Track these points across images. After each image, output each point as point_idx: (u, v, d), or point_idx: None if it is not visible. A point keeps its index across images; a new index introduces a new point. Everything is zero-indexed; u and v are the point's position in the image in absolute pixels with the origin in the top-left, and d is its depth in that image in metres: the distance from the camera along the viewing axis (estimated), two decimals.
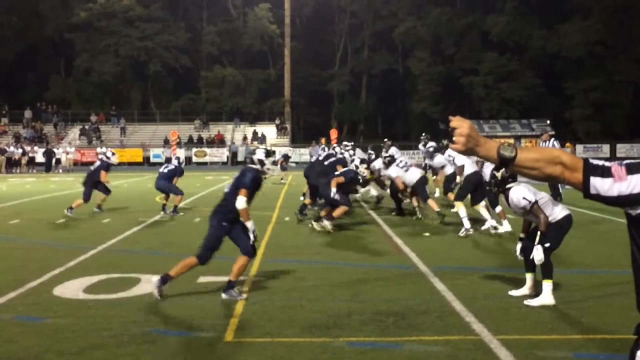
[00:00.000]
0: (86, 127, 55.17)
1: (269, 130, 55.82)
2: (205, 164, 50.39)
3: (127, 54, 62.02)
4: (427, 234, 12.80)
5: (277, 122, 56.73)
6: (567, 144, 51.61)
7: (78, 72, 64.14)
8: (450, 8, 62.85)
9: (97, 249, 11.18)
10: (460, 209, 12.82)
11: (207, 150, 52.21)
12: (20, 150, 42.71)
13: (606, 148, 51.18)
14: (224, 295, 7.76)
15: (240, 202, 7.79)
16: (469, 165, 13.28)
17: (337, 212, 13.48)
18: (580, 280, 8.71)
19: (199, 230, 13.67)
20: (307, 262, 10.06)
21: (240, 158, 50.50)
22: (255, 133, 54.35)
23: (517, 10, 59.46)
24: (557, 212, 7.63)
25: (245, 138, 53.52)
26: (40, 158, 44.54)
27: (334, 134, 48.91)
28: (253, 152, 8.87)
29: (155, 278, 7.81)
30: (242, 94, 62.38)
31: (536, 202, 7.49)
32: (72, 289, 8.19)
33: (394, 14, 64.11)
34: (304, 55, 65.41)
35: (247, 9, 65.47)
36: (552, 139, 18.96)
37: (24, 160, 42.40)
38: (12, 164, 41.97)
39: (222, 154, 51.92)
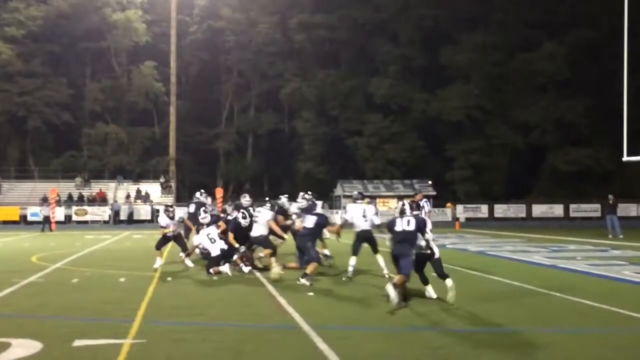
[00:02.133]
0: None
1: (153, 188, 54.97)
2: (86, 222, 49.05)
3: (5, 109, 60.04)
4: (311, 293, 12.74)
5: (162, 180, 55.97)
6: (448, 204, 53.31)
7: None
8: (335, 70, 64.22)
9: None
10: (352, 258, 14.58)
11: (88, 208, 50.85)
12: None
13: (485, 208, 52.99)
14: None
15: None
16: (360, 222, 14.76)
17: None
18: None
19: (77, 290, 13.25)
20: (188, 324, 9.80)
21: (122, 217, 49.47)
22: (139, 191, 53.41)
23: (399, 74, 61.37)
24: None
25: (128, 196, 52.47)
26: None
27: (219, 192, 48.50)
28: None
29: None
30: (125, 152, 61.36)
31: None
32: None
33: (280, 75, 64.98)
34: (190, 113, 65.14)
35: (132, 67, 64.90)
36: (424, 199, 19.44)
37: None
38: None
39: (103, 212, 50.68)
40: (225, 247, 16.02)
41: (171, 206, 17.59)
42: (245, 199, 17.32)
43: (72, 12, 63.15)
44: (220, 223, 16.98)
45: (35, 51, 62.42)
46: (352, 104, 62.52)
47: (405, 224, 11.38)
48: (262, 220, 15.80)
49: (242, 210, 16.39)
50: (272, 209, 16.27)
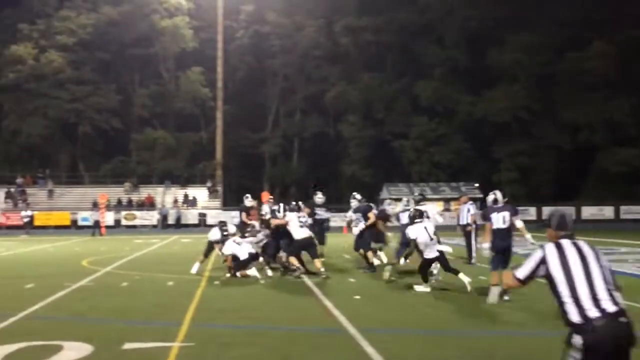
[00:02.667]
0: (12, 189, 53.88)
1: (200, 193, 55.48)
2: (134, 227, 49.72)
3: (57, 116, 61.33)
4: (357, 296, 12.75)
5: (209, 184, 56.45)
6: None
7: (5, 134, 63.04)
8: (381, 73, 64.04)
9: (18, 315, 10.77)
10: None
11: (137, 213, 51.55)
12: None
13: (532, 211, 52.31)
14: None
15: None
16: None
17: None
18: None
19: (126, 294, 13.46)
20: (235, 327, 9.90)
21: (170, 221, 50.03)
22: (186, 196, 53.95)
23: (445, 76, 60.98)
24: (428, 252, 11.29)
25: (175, 201, 53.04)
26: None
27: (265, 196, 48.73)
28: None
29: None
30: (173, 157, 62.01)
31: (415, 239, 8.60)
32: None
33: (325, 79, 65.06)
34: (237, 118, 65.54)
35: (180, 73, 65.63)
36: (470, 202, 19.47)
37: None
38: None
39: (152, 217, 51.32)
40: (253, 251, 16.08)
41: (225, 223, 17.41)
42: (318, 197, 17.64)
43: (121, 19, 64.18)
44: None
45: (85, 58, 63.63)
46: (397, 107, 62.32)
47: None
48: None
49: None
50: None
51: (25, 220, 43.17)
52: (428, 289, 13.19)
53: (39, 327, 9.90)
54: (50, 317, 10.94)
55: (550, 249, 5.05)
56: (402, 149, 59.89)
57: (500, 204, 12.50)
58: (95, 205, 44.02)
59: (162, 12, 65.01)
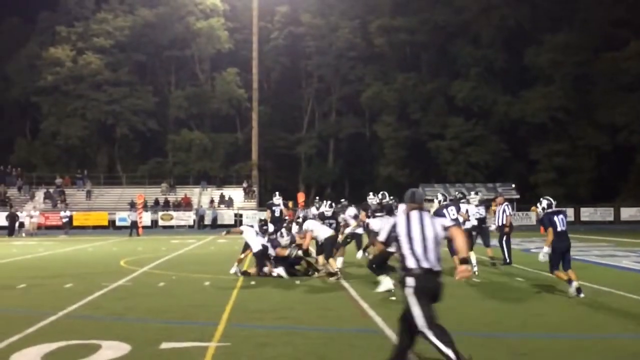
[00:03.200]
0: (51, 190, 54.63)
1: (236, 194, 55.72)
2: (171, 227, 50.11)
3: (95, 118, 62.15)
4: (393, 297, 12.70)
5: (245, 185, 56.70)
6: (533, 208, 52.14)
7: (44, 135, 63.99)
8: (416, 73, 63.81)
9: (58, 314, 10.92)
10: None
11: (174, 213, 51.95)
12: None
13: (570, 212, 51.71)
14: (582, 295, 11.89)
15: None
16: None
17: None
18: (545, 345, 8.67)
19: (164, 294, 13.56)
20: (271, 327, 9.92)
21: (207, 221, 50.34)
22: (222, 196, 54.24)
23: (481, 76, 60.62)
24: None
25: (212, 201, 53.36)
26: (2, 221, 43.97)
27: (301, 197, 48.91)
28: None
29: None
30: (209, 158, 62.40)
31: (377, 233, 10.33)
32: (30, 357, 7.98)
33: (360, 79, 65.00)
34: (272, 118, 65.80)
35: (215, 74, 66.03)
36: (505, 203, 19.33)
37: None
38: None
39: (188, 218, 51.68)
40: (266, 245, 16.11)
41: (266, 222, 17.39)
42: (371, 198, 17.95)
43: (157, 21, 64.82)
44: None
45: (122, 60, 64.39)
46: (433, 107, 62.07)
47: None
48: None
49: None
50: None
51: (64, 220, 43.73)
52: (391, 286, 13.12)
53: (77, 326, 10.02)
54: (88, 316, 11.06)
55: (400, 218, 7.16)
56: (438, 150, 59.62)
57: (553, 208, 13.10)
58: (132, 206, 44.44)
59: (198, 14, 65.51)
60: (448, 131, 59.64)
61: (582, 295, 12.27)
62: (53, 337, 9.08)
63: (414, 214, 7.04)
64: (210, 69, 67.65)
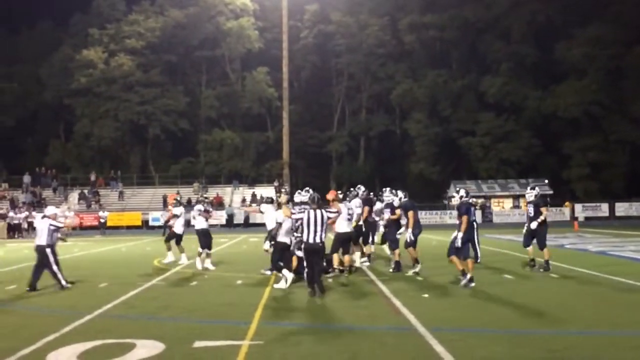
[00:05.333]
0: (85, 191, 55.21)
1: (267, 192, 55.76)
2: None
3: (127, 119, 62.69)
4: (426, 295, 12.68)
5: (276, 184, 56.81)
6: (566, 203, 51.81)
7: (78, 137, 64.70)
8: (446, 70, 63.58)
9: (93, 314, 11.05)
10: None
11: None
12: (21, 215, 42.59)
13: (605, 207, 51.24)
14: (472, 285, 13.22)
15: None
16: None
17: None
18: (580, 342, 8.59)
19: (196, 293, 13.65)
20: (303, 325, 9.95)
21: (237, 220, 50.51)
22: (254, 195, 54.39)
23: (512, 71, 60.20)
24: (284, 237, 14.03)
25: (243, 200, 53.53)
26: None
27: (332, 195, 48.85)
28: None
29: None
30: (240, 157, 62.69)
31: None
32: (66, 356, 8.09)
33: (390, 77, 64.87)
34: (303, 117, 65.91)
35: (246, 73, 66.30)
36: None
37: (24, 225, 42.03)
38: (13, 229, 41.85)
39: (220, 216, 51.85)
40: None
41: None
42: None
43: (187, 22, 65.24)
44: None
45: (153, 61, 64.90)
46: (464, 104, 61.78)
47: None
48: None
49: None
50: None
51: (102, 220, 44.21)
52: (284, 285, 13.75)
53: (112, 326, 10.13)
54: (123, 315, 11.18)
55: (306, 213, 12.73)
56: (469, 146, 59.33)
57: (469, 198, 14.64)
58: (165, 206, 44.67)
59: (228, 14, 65.79)
60: (479, 127, 59.34)
61: (472, 285, 13.33)
62: (88, 336, 9.19)
63: (313, 212, 12.65)
64: (241, 68, 67.92)
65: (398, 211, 16.32)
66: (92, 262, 21.71)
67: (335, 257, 15.58)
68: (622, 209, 51.27)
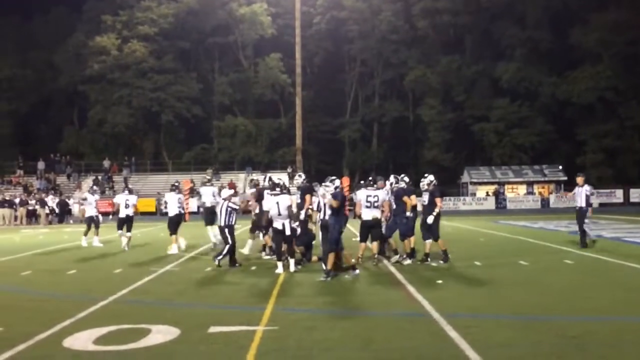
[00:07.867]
0: (99, 177, 55.39)
1: (281, 178, 55.79)
2: (216, 213, 50.30)
3: (140, 105, 62.75)
4: (439, 281, 12.67)
5: (289, 170, 56.79)
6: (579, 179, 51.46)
7: (91, 123, 64.90)
8: (460, 56, 63.30)
9: (108, 299, 11.11)
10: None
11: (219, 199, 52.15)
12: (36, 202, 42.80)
13: (619, 193, 50.95)
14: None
15: None
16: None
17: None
18: (596, 327, 8.56)
19: (211, 279, 13.69)
20: (318, 311, 9.96)
21: None
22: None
23: (526, 57, 59.83)
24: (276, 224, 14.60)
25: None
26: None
27: (346, 181, 48.82)
28: None
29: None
30: (253, 143, 62.75)
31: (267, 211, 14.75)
32: (82, 340, 8.13)
33: (403, 63, 64.65)
34: (315, 103, 65.80)
35: (258, 59, 66.16)
36: (585, 184, 18.68)
37: (43, 212, 42.01)
38: (31, 215, 42.02)
39: (233, 203, 51.86)
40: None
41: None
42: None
43: (200, 8, 65.12)
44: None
45: (166, 48, 64.88)
46: (477, 90, 61.53)
47: None
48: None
49: None
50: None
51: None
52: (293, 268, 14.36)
53: (128, 311, 10.18)
54: (138, 301, 11.22)
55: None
56: (483, 132, 59.12)
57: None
58: (180, 192, 44.77)
59: (240, 0, 65.58)
60: (493, 113, 59.07)
61: (406, 262, 15.05)
62: (104, 321, 9.23)
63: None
64: (253, 54, 67.79)
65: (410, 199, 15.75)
66: (107, 247, 21.80)
67: (362, 246, 15.24)
68: (637, 195, 50.95)
